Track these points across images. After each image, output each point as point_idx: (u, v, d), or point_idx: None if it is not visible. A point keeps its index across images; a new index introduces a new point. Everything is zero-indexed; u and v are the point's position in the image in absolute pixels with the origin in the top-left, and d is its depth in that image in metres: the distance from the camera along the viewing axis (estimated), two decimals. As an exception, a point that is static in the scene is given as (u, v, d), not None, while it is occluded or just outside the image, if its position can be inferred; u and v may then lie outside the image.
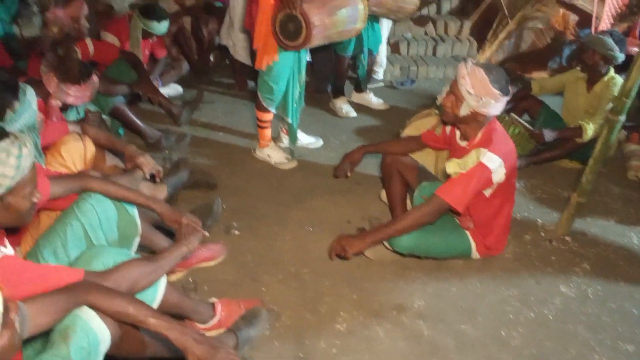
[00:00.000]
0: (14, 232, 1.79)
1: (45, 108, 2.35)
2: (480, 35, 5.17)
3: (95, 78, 2.38)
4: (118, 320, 1.32)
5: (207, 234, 1.80)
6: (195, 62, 4.25)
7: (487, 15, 4.87)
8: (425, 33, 5.13)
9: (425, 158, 2.62)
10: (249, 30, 3.42)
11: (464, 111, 2.03)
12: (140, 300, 1.36)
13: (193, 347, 1.28)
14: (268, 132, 3.07)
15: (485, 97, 1.98)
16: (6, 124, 1.78)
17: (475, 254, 2.33)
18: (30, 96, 1.88)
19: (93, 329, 1.28)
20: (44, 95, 2.38)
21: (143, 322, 1.30)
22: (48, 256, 1.67)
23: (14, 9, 4.06)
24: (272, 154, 3.10)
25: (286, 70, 2.82)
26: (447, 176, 2.17)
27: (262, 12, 2.63)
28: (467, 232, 2.30)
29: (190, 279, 2.12)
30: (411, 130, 2.76)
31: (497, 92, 1.98)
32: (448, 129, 2.32)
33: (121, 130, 3.15)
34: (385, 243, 2.25)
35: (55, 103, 2.45)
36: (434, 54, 5.00)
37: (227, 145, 3.29)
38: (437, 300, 2.16)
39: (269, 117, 2.99)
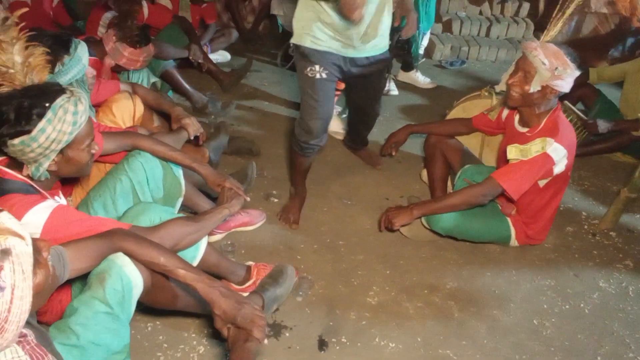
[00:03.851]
0: (66, 183, 1.89)
1: (100, 66, 2.43)
2: (539, 17, 4.98)
3: (151, 47, 2.43)
4: (149, 268, 1.37)
5: (248, 198, 1.84)
6: (245, 30, 4.27)
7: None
8: (480, 13, 4.95)
9: (469, 141, 2.58)
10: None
11: (535, 86, 1.95)
12: (172, 252, 1.41)
13: (219, 300, 1.32)
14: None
15: (561, 67, 1.89)
16: (55, 76, 1.85)
17: (514, 242, 2.29)
18: (81, 51, 1.93)
19: (127, 274, 1.34)
20: (100, 55, 2.47)
21: (172, 272, 1.35)
22: (98, 208, 1.75)
23: (74, -30, 4.17)
24: (332, 122, 3.08)
25: None
26: (502, 161, 2.12)
27: None
28: (508, 219, 2.26)
29: (228, 241, 2.18)
30: (458, 111, 2.70)
31: (571, 63, 1.91)
32: (505, 113, 2.26)
33: (170, 93, 3.22)
34: (424, 222, 2.24)
35: (109, 63, 2.53)
36: (488, 34, 4.83)
37: (272, 114, 3.32)
38: (470, 284, 2.15)
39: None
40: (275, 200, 2.51)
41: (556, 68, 1.89)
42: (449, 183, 2.52)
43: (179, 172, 1.94)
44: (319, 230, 2.36)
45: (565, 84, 1.93)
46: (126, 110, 2.23)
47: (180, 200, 1.98)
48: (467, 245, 2.34)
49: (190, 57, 3.26)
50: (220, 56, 3.97)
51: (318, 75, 2.14)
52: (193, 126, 2.17)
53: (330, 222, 2.42)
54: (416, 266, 2.22)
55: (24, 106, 1.33)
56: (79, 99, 1.41)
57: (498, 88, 2.48)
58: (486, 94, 2.62)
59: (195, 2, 3.67)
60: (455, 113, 2.71)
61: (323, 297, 2.00)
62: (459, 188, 2.26)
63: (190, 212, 2.16)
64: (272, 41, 4.39)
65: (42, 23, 3.41)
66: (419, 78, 3.99)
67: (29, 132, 1.32)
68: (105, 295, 1.31)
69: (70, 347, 1.26)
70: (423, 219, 2.24)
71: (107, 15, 2.92)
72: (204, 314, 1.69)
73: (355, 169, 2.85)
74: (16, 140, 1.32)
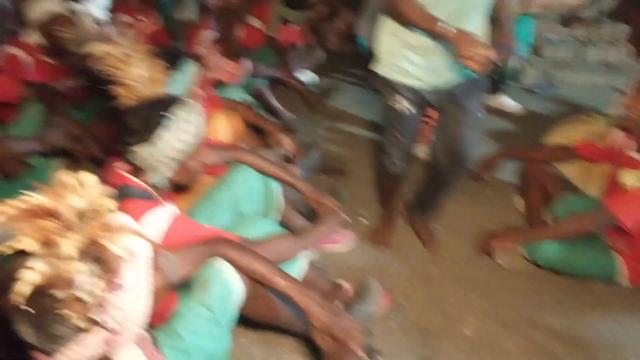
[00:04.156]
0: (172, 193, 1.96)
1: (201, 82, 2.54)
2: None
3: (249, 63, 2.51)
4: (247, 274, 1.37)
5: (347, 218, 1.82)
6: (331, 51, 4.32)
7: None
8: (573, 35, 4.74)
9: (569, 168, 2.43)
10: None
11: None
12: (271, 262, 1.41)
13: (317, 311, 1.30)
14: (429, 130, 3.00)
15: None
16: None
17: (625, 281, 2.10)
18: (187, 68, 2.02)
19: (228, 279, 1.35)
20: (201, 70, 2.57)
21: (271, 281, 1.34)
22: (200, 219, 1.79)
23: (175, -5, 4.44)
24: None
25: None
26: (611, 190, 1.98)
27: None
28: (618, 255, 2.09)
29: (318, 259, 2.16)
30: (556, 137, 2.56)
31: None
32: (615, 139, 2.11)
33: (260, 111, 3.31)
34: (523, 251, 2.12)
35: (209, 76, 2.64)
36: (582, 59, 4.61)
37: (357, 135, 3.31)
38: (575, 325, 1.99)
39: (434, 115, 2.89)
40: (364, 221, 2.48)
41: None
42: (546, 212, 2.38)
43: (278, 188, 1.96)
44: (410, 254, 2.30)
45: None
46: (226, 126, 2.30)
47: (278, 216, 2.00)
48: (569, 280, 2.17)
49: (281, 77, 3.33)
50: (307, 77, 4.03)
51: (406, 111, 1.96)
52: (289, 144, 2.20)
53: (422, 246, 2.35)
54: (513, 299, 2.09)
55: (150, 117, 1.40)
56: (195, 109, 1.46)
57: (611, 111, 2.33)
58: (588, 118, 2.48)
59: (284, 23, 3.77)
60: (553, 139, 2.57)
61: (417, 324, 1.93)
62: (559, 217, 2.13)
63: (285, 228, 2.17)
64: (357, 62, 4.41)
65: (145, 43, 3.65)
66: (508, 102, 3.86)
67: (151, 140, 1.39)
68: (209, 301, 1.33)
69: (177, 350, 1.28)
70: (523, 249, 2.11)
71: (205, 34, 3.04)
72: (301, 334, 1.67)
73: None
74: (143, 149, 1.38)
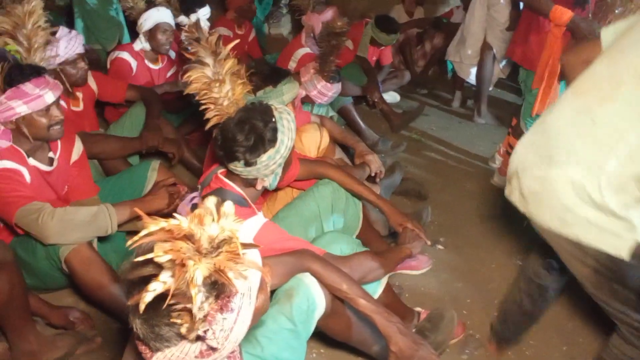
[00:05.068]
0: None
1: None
2: None
3: (340, 85, 2.56)
4: (332, 292, 1.39)
5: (429, 242, 1.80)
6: (416, 73, 4.33)
7: None
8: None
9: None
10: (479, 50, 3.34)
11: None
12: (355, 281, 1.41)
13: (397, 337, 1.29)
14: None
15: None
16: (254, 99, 1.99)
17: None
18: (286, 88, 2.06)
19: (313, 294, 1.36)
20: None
21: (353, 300, 1.35)
22: (284, 227, 1.85)
23: (268, 9, 4.64)
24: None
25: None
26: None
27: (548, 48, 2.35)
28: None
29: (395, 283, 2.14)
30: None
31: None
32: None
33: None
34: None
35: (300, 93, 2.71)
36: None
37: (439, 160, 3.27)
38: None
39: None
40: (441, 247, 2.43)
41: None
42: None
43: (360, 206, 1.97)
44: (487, 287, 2.22)
45: None
46: (313, 140, 2.35)
47: (356, 233, 2.01)
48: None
49: (368, 96, 3.37)
50: (390, 96, 4.06)
51: None
52: (375, 163, 2.21)
53: (499, 280, 2.26)
54: (598, 346, 1.96)
55: (258, 126, 1.45)
56: (287, 110, 1.52)
57: None
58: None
59: (373, 43, 3.81)
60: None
61: (488, 358, 1.85)
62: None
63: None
64: (441, 86, 4.39)
65: (237, 54, 3.81)
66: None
67: (273, 145, 1.46)
68: (292, 312, 1.35)
69: (255, 357, 1.31)
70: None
71: (300, 52, 3.15)
72: (374, 356, 1.66)
73: (527, 227, 2.65)
74: (264, 156, 1.46)
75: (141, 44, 2.96)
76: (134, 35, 3.09)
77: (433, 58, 4.40)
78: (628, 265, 1.28)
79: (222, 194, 1.52)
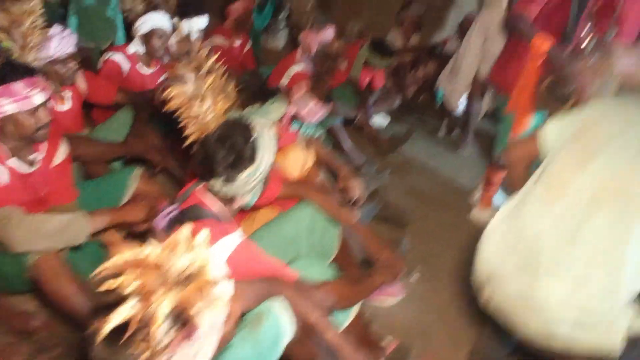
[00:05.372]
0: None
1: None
2: None
3: (330, 106, 2.58)
4: (301, 320, 1.38)
5: (403, 273, 1.81)
6: (407, 98, 4.37)
7: None
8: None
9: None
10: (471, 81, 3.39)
11: None
12: (325, 311, 1.41)
13: None
14: (494, 194, 2.97)
15: None
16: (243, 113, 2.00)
17: None
18: (274, 107, 2.08)
19: (282, 322, 1.35)
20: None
21: (322, 331, 1.35)
22: (261, 246, 1.85)
23: (266, 22, 4.66)
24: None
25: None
26: None
27: (526, 75, 2.46)
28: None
29: (367, 311, 2.15)
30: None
31: None
32: None
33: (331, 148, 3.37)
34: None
35: (291, 111, 2.72)
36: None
37: (421, 188, 3.30)
38: None
39: (500, 177, 2.86)
40: (416, 277, 2.44)
41: None
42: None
43: (338, 230, 1.98)
44: (458, 322, 2.24)
45: None
46: (298, 160, 2.35)
47: (332, 257, 2.01)
48: None
49: (358, 118, 3.39)
50: (379, 119, 4.08)
51: None
52: (357, 189, 2.22)
53: (470, 315, 2.28)
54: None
55: (238, 143, 1.45)
56: (267, 125, 1.53)
57: None
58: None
59: (367, 66, 3.85)
60: None
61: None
62: None
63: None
64: (430, 113, 4.43)
65: (232, 65, 3.83)
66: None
67: (252, 163, 1.46)
68: (259, 338, 1.34)
69: (220, 381, 1.30)
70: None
71: (294, 68, 3.16)
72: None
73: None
74: (244, 173, 1.45)
75: (135, 47, 2.95)
76: (130, 36, 3.08)
77: (425, 85, 4.44)
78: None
79: (198, 211, 1.51)
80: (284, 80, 3.17)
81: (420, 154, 3.72)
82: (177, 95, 1.62)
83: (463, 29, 4.11)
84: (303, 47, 3.15)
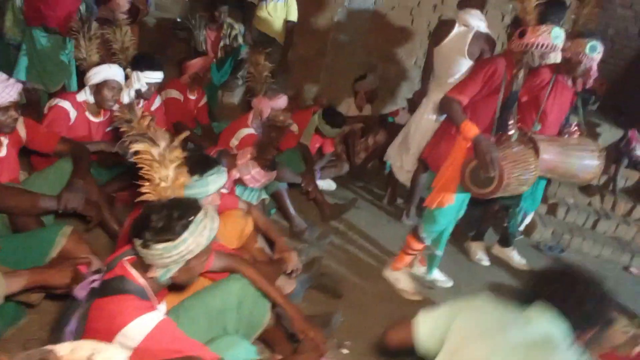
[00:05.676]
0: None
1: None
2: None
3: (275, 173, 2.63)
4: None
5: (327, 356, 1.81)
6: (356, 164, 4.49)
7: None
8: (589, 203, 4.86)
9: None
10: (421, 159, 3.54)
11: None
12: None
13: None
14: (409, 260, 3.06)
15: None
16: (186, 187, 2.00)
17: None
18: (212, 179, 2.06)
19: None
20: (229, 166, 2.69)
21: None
22: (185, 319, 1.81)
23: (225, 77, 4.76)
24: (402, 279, 3.08)
25: (456, 209, 2.82)
26: None
27: (453, 156, 2.65)
28: None
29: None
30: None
31: None
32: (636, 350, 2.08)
33: (273, 211, 3.39)
34: None
35: (234, 175, 2.75)
36: (594, 228, 4.69)
37: (361, 258, 3.33)
38: None
39: (420, 247, 2.97)
40: (346, 351, 2.44)
41: None
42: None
43: (268, 306, 1.97)
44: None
45: None
46: (237, 227, 2.37)
47: (260, 331, 2.00)
48: None
49: (303, 185, 3.45)
50: (327, 184, 4.17)
51: None
52: (293, 261, 2.24)
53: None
54: None
55: (173, 217, 1.46)
56: (213, 217, 1.54)
57: None
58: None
59: (318, 132, 3.96)
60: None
61: None
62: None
63: (263, 342, 2.15)
64: (377, 181, 4.56)
65: (185, 119, 3.86)
66: (515, 257, 3.89)
67: (172, 240, 1.45)
68: None
69: None
70: None
71: (244, 131, 3.22)
72: None
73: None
74: (160, 246, 1.44)
75: (85, 96, 2.93)
76: (83, 83, 3.06)
77: (374, 152, 4.59)
78: None
79: (122, 284, 1.49)
80: (234, 141, 3.22)
81: (363, 222, 3.80)
82: (142, 152, 1.64)
83: (412, 103, 4.30)
84: (255, 111, 3.23)
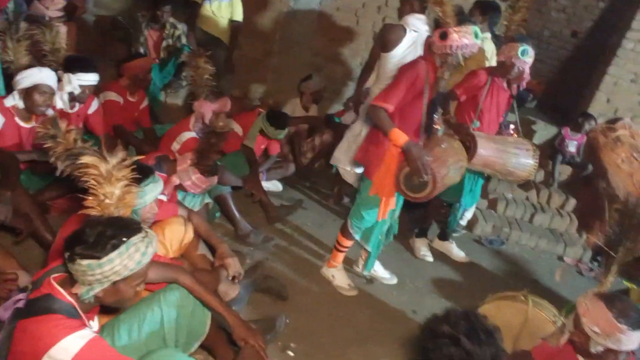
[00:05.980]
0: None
1: (166, 182, 2.59)
2: (584, 219, 5.03)
3: (215, 179, 2.60)
4: None
5: (280, 350, 1.82)
6: (302, 164, 4.51)
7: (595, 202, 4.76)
8: (527, 198, 5.09)
9: (508, 320, 2.53)
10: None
11: (594, 348, 1.84)
12: None
13: None
14: (342, 257, 3.11)
15: (613, 335, 1.79)
16: None
17: None
18: (149, 188, 2.04)
19: None
20: (169, 172, 2.65)
21: None
22: (123, 332, 1.78)
23: (167, 79, 4.65)
24: (337, 276, 3.12)
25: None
26: None
27: (386, 162, 2.70)
28: None
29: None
30: (491, 308, 2.67)
31: (624, 327, 1.78)
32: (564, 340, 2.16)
33: (217, 214, 3.35)
34: None
35: (174, 181, 2.70)
36: (531, 221, 4.91)
37: (307, 259, 3.35)
38: None
39: (349, 243, 3.04)
40: (291, 354, 2.46)
41: (608, 336, 1.79)
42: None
43: (208, 314, 1.96)
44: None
45: (626, 345, 1.80)
46: (176, 235, 2.33)
47: (201, 340, 1.98)
48: None
49: (247, 188, 3.43)
50: (273, 185, 4.16)
51: None
52: (234, 267, 2.24)
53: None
54: None
55: (105, 234, 1.43)
56: (151, 242, 1.51)
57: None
58: (522, 298, 2.61)
59: (263, 134, 3.94)
60: (488, 310, 2.67)
61: None
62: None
63: (207, 350, 2.14)
64: (324, 181, 4.59)
65: (126, 122, 3.75)
66: (454, 250, 4.03)
67: (99, 258, 1.41)
68: None
69: None
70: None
71: (185, 135, 3.17)
72: None
73: (379, 337, 2.78)
74: (84, 262, 1.41)
75: (14, 101, 2.80)
76: (10, 88, 2.92)
77: (321, 152, 4.62)
78: None
79: (48, 303, 1.44)
80: (175, 145, 3.16)
81: (309, 222, 3.82)
82: (91, 166, 1.60)
83: (355, 102, 4.30)
84: (196, 114, 3.18)
